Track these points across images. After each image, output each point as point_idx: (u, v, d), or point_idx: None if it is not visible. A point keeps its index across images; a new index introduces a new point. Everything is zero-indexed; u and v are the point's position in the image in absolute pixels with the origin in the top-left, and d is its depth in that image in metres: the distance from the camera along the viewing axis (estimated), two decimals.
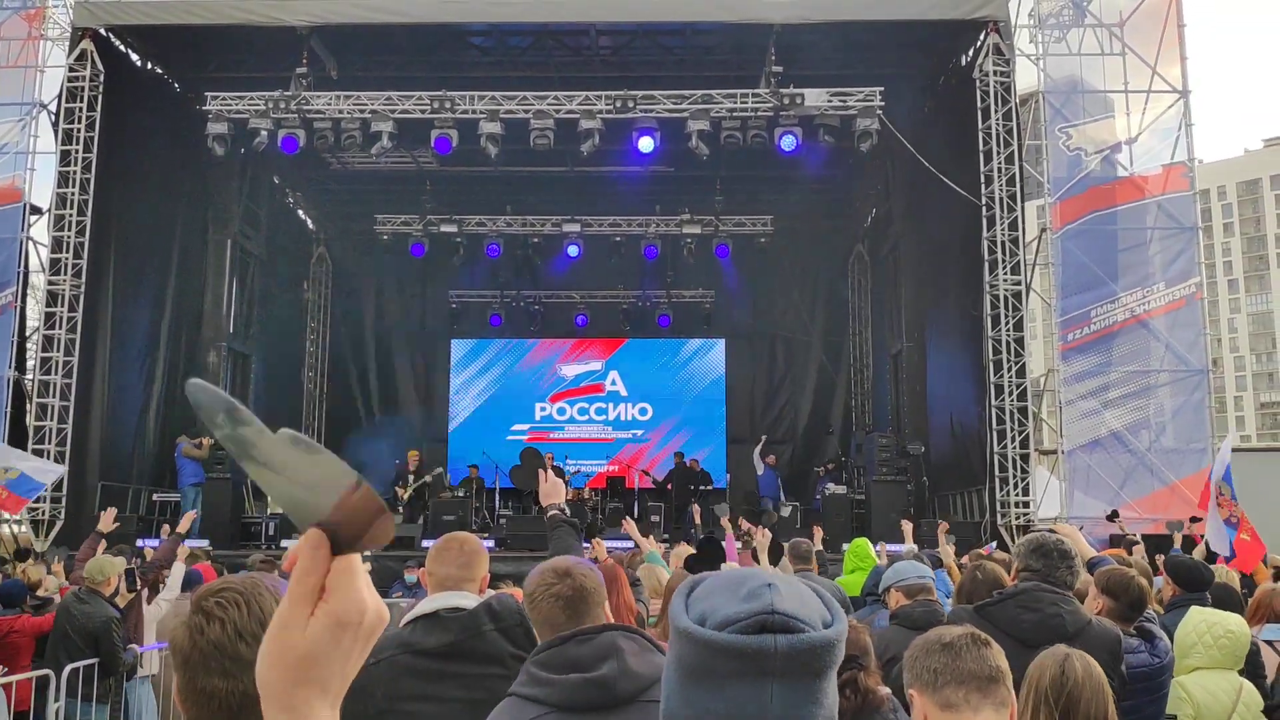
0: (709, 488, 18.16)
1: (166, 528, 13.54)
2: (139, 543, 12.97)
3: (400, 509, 16.27)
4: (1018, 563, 3.66)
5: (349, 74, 16.15)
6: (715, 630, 1.02)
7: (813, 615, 1.05)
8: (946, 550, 7.95)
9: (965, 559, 7.19)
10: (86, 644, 6.34)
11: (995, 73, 14.52)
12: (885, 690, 3.07)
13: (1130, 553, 7.60)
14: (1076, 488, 13.72)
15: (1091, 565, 4.26)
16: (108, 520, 8.69)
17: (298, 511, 0.92)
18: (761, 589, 1.05)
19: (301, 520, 0.91)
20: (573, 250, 20.42)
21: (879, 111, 15.02)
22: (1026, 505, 14.04)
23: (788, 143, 15.09)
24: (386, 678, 2.91)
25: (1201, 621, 3.97)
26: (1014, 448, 14.12)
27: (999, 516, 13.85)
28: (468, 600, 3.05)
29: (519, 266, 21.69)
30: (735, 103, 15.21)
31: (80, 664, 6.24)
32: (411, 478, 16.86)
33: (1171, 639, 4.02)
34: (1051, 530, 3.92)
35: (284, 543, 14.75)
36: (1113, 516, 11.50)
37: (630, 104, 15.19)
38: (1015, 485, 14.02)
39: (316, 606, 0.88)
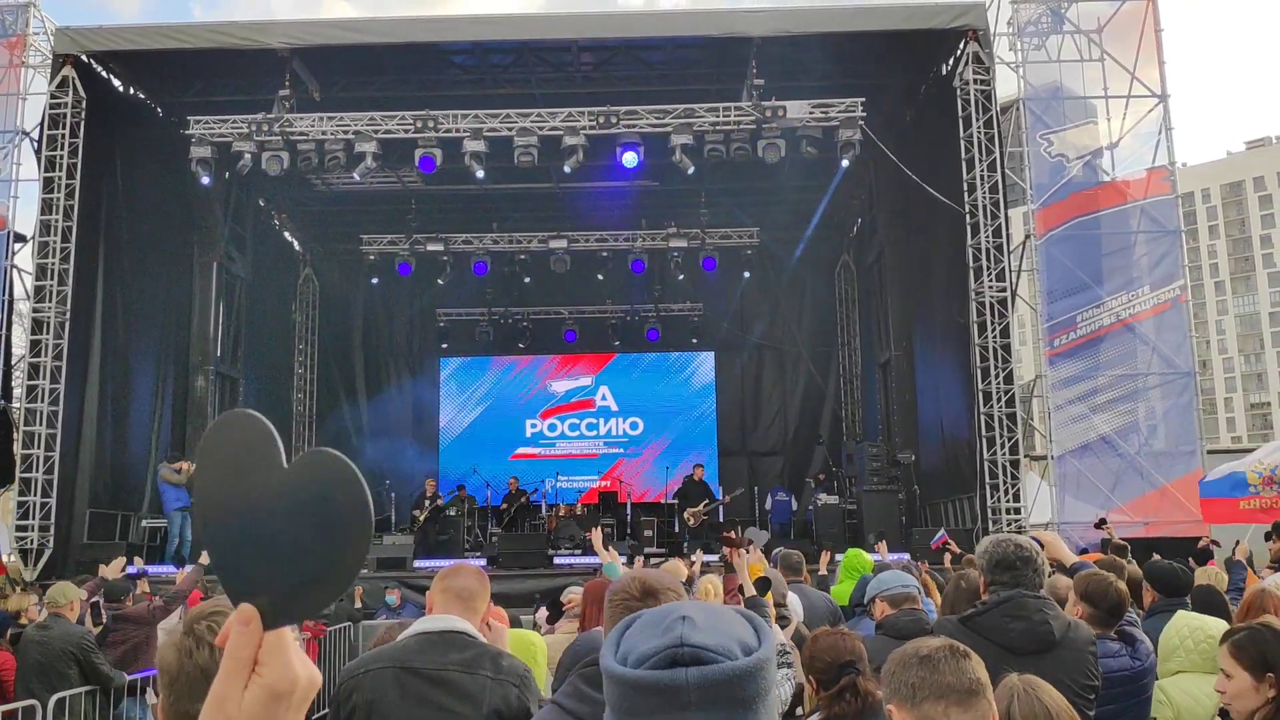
0: (711, 501, 18.05)
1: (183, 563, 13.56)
2: (129, 569, 12.87)
3: (414, 531, 16.44)
4: (984, 577, 3.62)
5: (331, 95, 16.16)
6: (633, 668, 1.01)
7: (729, 644, 1.03)
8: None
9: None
10: (66, 666, 6.23)
11: (975, 81, 14.59)
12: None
13: (1124, 558, 7.59)
14: (1067, 492, 13.72)
15: (1072, 570, 4.25)
16: (115, 569, 8.59)
17: (238, 579, 0.93)
18: (675, 623, 1.05)
19: (236, 592, 0.92)
20: (560, 266, 20.42)
21: (861, 122, 15.08)
22: (1018, 511, 14.04)
23: (771, 155, 15.13)
24: (369, 688, 2.92)
25: (1185, 626, 3.97)
26: (1004, 454, 14.13)
27: (990, 523, 13.84)
28: (468, 626, 3.06)
29: (506, 283, 21.69)
30: (718, 116, 15.25)
31: (66, 693, 6.16)
32: (427, 503, 16.98)
33: (1153, 644, 4.01)
34: (1014, 534, 3.87)
35: None
36: (1101, 524, 11.50)
37: (613, 119, 15.22)
38: (1006, 492, 14.03)
39: (250, 679, 0.90)
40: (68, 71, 14.80)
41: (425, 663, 2.93)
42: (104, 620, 7.28)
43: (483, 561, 15.06)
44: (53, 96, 14.76)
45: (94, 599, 7.72)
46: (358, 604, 11.78)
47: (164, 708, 1.49)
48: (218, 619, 1.49)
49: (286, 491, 0.91)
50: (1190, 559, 8.53)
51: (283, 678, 0.90)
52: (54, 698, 6.07)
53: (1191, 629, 4.05)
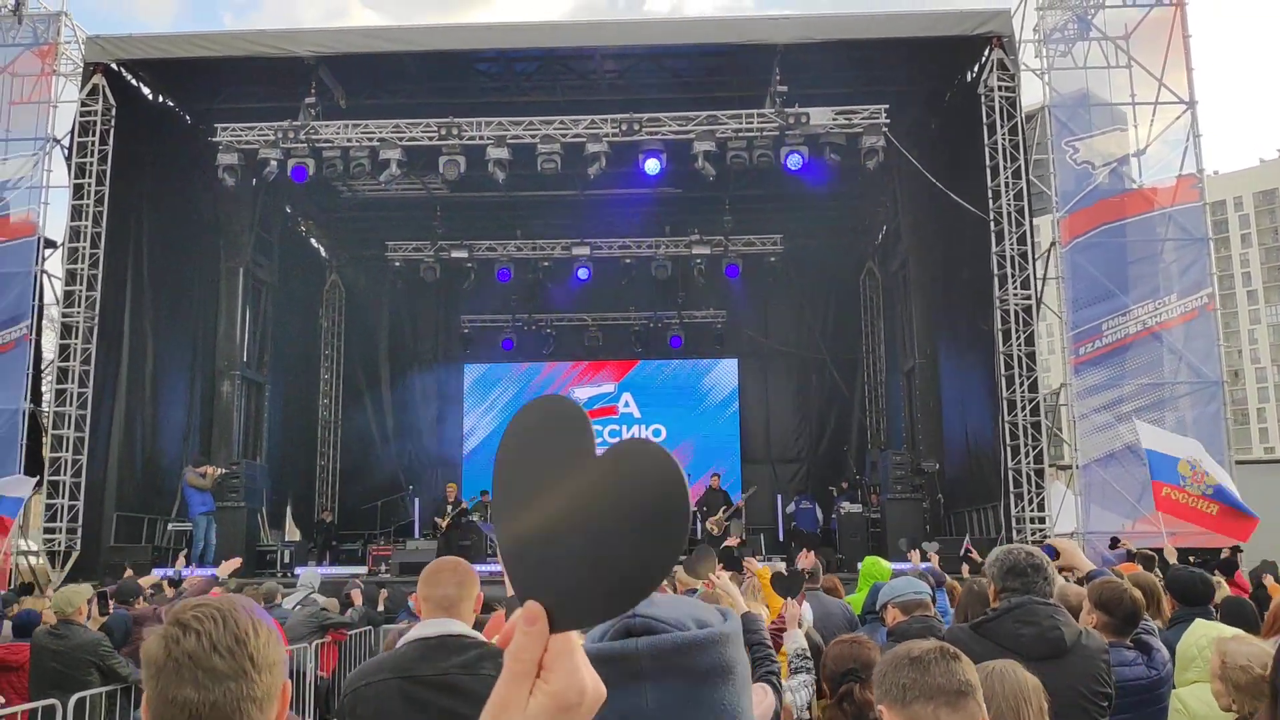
0: (730, 508, 17.99)
1: (184, 558, 13.69)
2: (154, 572, 13.01)
3: (438, 537, 16.45)
4: (994, 584, 3.60)
5: (357, 103, 16.29)
6: (589, 644, 1.02)
7: (683, 619, 1.04)
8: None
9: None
10: (86, 674, 6.30)
11: (1000, 88, 14.52)
12: None
13: (1148, 567, 7.51)
14: (1092, 502, 13.58)
15: (1089, 579, 4.21)
16: (229, 568, 8.56)
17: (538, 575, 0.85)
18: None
19: (524, 588, 0.85)
20: (583, 273, 20.48)
21: (885, 129, 15.04)
22: (1042, 521, 13.92)
23: (794, 162, 15.12)
24: (373, 700, 2.91)
25: (1203, 636, 3.91)
26: (1028, 463, 14.02)
27: (1014, 533, 13.73)
28: (464, 628, 3.05)
29: (530, 290, 21.76)
30: (741, 123, 15.26)
31: (86, 694, 6.22)
32: (450, 508, 17.02)
33: (1172, 654, 3.97)
34: (1024, 544, 3.86)
35: (298, 570, 14.77)
36: (1114, 544, 11.33)
37: (636, 126, 15.26)
38: (1030, 501, 13.92)
39: (534, 686, 0.84)
40: (98, 80, 15.02)
41: (426, 670, 2.93)
42: (110, 611, 7.33)
43: (499, 566, 15.08)
44: (83, 104, 14.98)
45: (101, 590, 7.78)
46: (380, 608, 11.81)
47: (149, 698, 1.50)
48: (203, 610, 1.51)
49: (598, 483, 0.83)
50: (1216, 570, 8.42)
51: (570, 686, 0.83)
52: (74, 697, 6.12)
53: (1210, 639, 4.00)
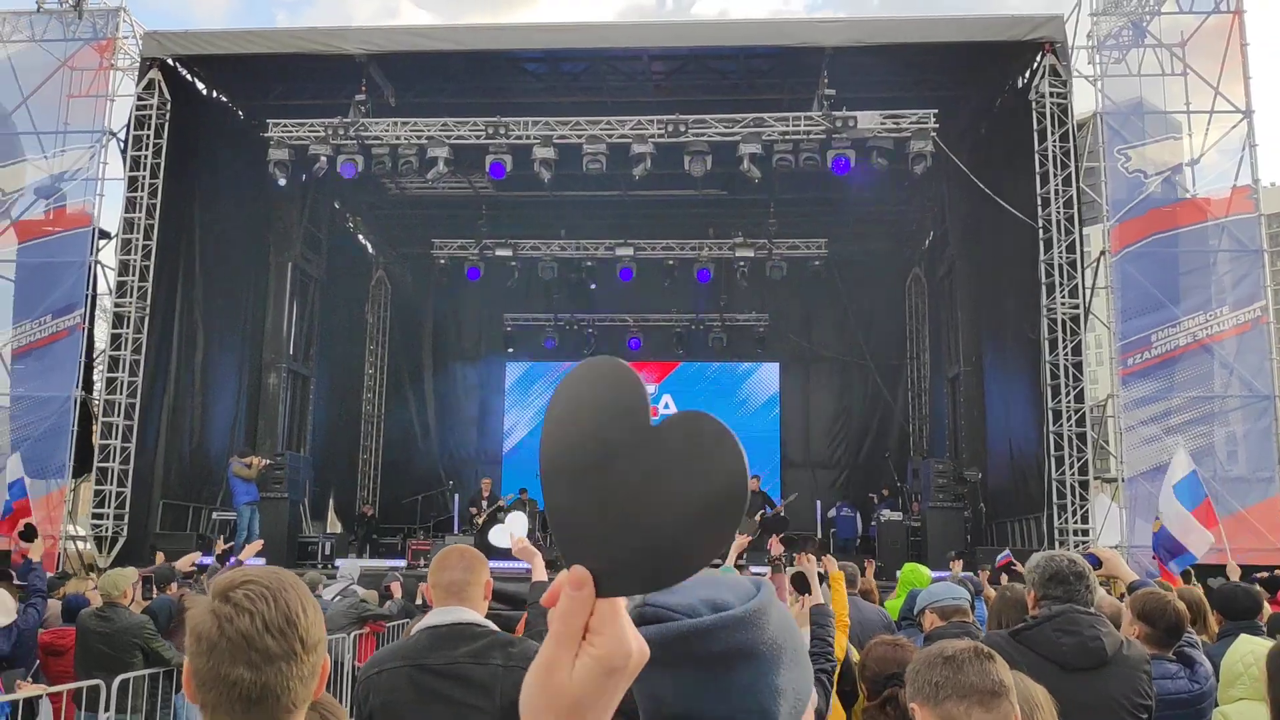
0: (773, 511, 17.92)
1: (219, 543, 13.81)
2: (199, 560, 13.18)
3: (475, 533, 16.55)
4: (1035, 591, 3.55)
5: (406, 101, 16.43)
6: None
7: (695, 604, 1.03)
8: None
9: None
10: (130, 655, 6.42)
11: (1052, 94, 14.35)
12: None
13: (1186, 580, 7.40)
14: (1138, 515, 13.37)
15: (1131, 589, 4.15)
16: (250, 553, 8.71)
17: (585, 538, 0.84)
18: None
19: (571, 552, 0.84)
20: (626, 274, 20.49)
21: (933, 133, 14.90)
22: (1085, 533, 13.73)
23: (840, 165, 15.03)
24: (385, 688, 2.94)
25: (1249, 652, 3.82)
26: (1072, 474, 13.84)
27: (1057, 544, 13.54)
28: (475, 616, 3.07)
29: (573, 290, 21.82)
30: (787, 126, 15.19)
31: (130, 675, 6.33)
32: (485, 503, 17.13)
33: (1218, 669, 3.89)
34: (1066, 550, 3.79)
35: (339, 562, 14.91)
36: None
37: (682, 128, 15.26)
38: (1074, 513, 13.73)
39: (580, 648, 0.84)
40: (154, 74, 15.29)
41: (436, 658, 2.95)
42: (153, 595, 7.47)
43: (526, 563, 15.10)
44: (139, 98, 15.26)
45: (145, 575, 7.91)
46: (418, 600, 11.89)
47: (195, 670, 1.51)
48: (253, 588, 1.53)
49: (651, 452, 0.82)
50: (1259, 587, 8.26)
51: (617, 651, 0.84)
52: (118, 678, 6.24)
53: (1256, 656, 3.91)
